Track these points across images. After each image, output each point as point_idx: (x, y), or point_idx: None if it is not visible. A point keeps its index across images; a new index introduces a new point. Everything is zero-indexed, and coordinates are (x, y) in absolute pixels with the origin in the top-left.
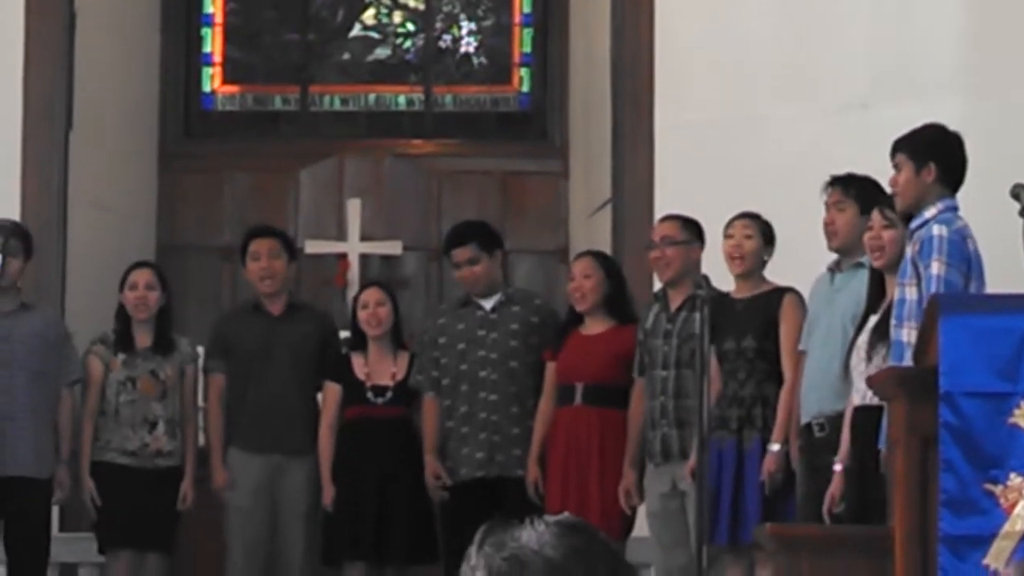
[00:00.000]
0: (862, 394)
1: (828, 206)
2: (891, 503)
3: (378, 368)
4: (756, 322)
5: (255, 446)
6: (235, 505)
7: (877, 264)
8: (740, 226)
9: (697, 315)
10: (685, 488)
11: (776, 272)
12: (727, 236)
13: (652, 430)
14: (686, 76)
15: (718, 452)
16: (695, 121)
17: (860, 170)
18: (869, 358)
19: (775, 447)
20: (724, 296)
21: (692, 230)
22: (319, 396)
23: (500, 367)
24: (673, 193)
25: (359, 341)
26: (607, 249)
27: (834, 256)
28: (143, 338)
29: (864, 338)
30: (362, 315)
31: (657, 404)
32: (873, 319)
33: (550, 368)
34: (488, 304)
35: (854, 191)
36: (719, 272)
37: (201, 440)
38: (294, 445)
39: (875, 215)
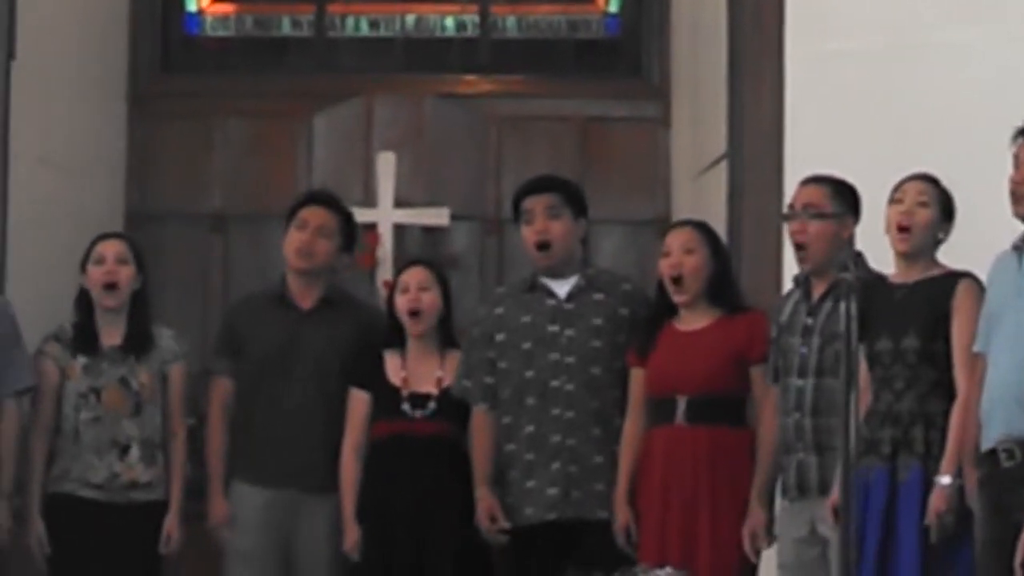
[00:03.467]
0: None
1: (1019, 161)
2: None
3: (419, 372)
4: (920, 316)
5: (265, 479)
6: (236, 549)
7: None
8: (914, 190)
9: (842, 306)
10: (826, 533)
11: (948, 252)
12: (894, 201)
13: (786, 456)
14: None
15: (864, 484)
16: (840, 52)
17: None
18: None
19: (945, 480)
20: (879, 280)
21: (846, 198)
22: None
23: (579, 375)
24: (809, 147)
25: (395, 336)
26: (720, 219)
27: (1022, 229)
28: (111, 334)
29: None
30: (400, 302)
31: (791, 422)
32: None
33: (637, 375)
34: (563, 289)
35: None
36: (869, 255)
37: (190, 467)
38: (314, 480)
39: None
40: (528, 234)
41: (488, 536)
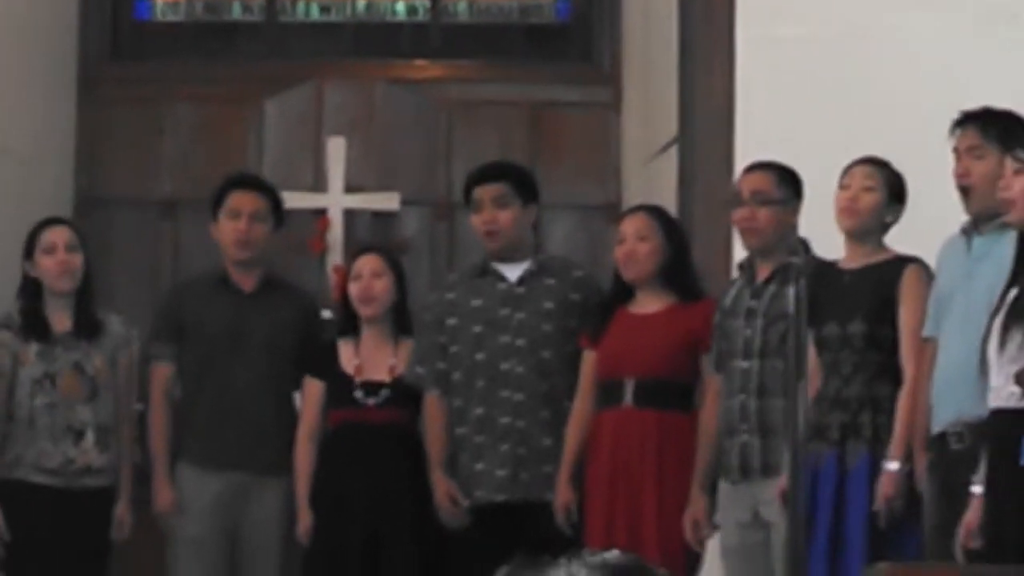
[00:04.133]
0: (1003, 394)
1: (959, 152)
2: None
3: (372, 360)
4: (867, 301)
5: (213, 461)
6: (184, 535)
7: (1009, 219)
8: (860, 174)
9: (791, 289)
10: (770, 517)
11: (898, 237)
12: (842, 187)
13: (729, 438)
14: None
15: (813, 470)
16: (790, 37)
17: (1008, 99)
18: (1001, 345)
19: (893, 465)
20: (828, 266)
21: (790, 185)
22: (297, 398)
23: (529, 358)
24: (760, 132)
25: (348, 324)
26: (671, 204)
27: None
28: (61, 319)
29: (1000, 320)
30: (354, 289)
31: (736, 404)
32: (1013, 294)
33: (589, 358)
34: (514, 274)
35: (995, 132)
36: (820, 240)
37: (139, 453)
38: (265, 461)
39: (1007, 161)
40: (476, 222)
41: (449, 518)
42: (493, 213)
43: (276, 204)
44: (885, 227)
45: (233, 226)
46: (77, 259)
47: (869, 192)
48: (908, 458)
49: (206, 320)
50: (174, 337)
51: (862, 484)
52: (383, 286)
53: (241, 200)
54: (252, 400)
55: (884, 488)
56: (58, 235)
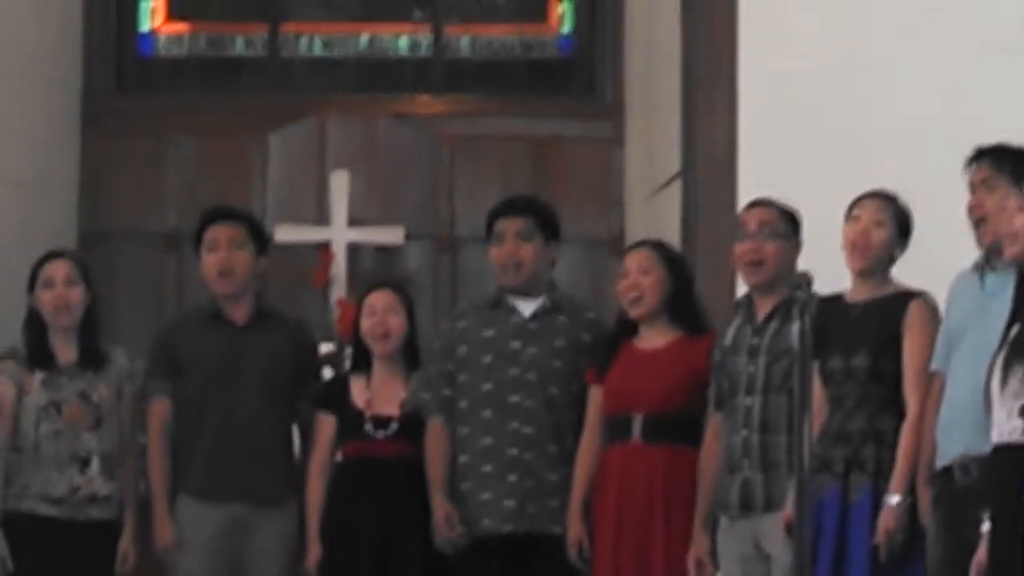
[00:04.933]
0: (996, 429)
1: (973, 185)
2: None
3: (382, 394)
4: (871, 334)
5: (212, 493)
6: (185, 570)
7: (1009, 254)
8: (871, 208)
9: (795, 325)
10: (771, 550)
11: (902, 270)
12: (851, 219)
13: (730, 474)
14: (780, 10)
15: (817, 502)
16: (793, 71)
17: (1008, 132)
18: (1004, 382)
19: (895, 499)
20: (835, 299)
21: (792, 223)
22: (294, 429)
23: (538, 392)
24: (763, 167)
25: (360, 359)
26: (674, 238)
27: (976, 251)
28: (65, 351)
29: (1002, 356)
30: (367, 324)
31: (739, 440)
32: (1016, 330)
33: (596, 393)
34: (528, 308)
35: (1009, 166)
36: (824, 273)
37: (143, 484)
38: (265, 493)
39: (1011, 198)
40: (496, 255)
41: (445, 543)
42: (516, 246)
43: (256, 231)
44: (892, 261)
45: (213, 259)
46: (76, 293)
47: (880, 227)
48: (910, 492)
49: (201, 355)
50: (170, 373)
51: (865, 517)
52: (397, 323)
53: (217, 232)
54: (250, 432)
55: (885, 522)
56: (56, 270)
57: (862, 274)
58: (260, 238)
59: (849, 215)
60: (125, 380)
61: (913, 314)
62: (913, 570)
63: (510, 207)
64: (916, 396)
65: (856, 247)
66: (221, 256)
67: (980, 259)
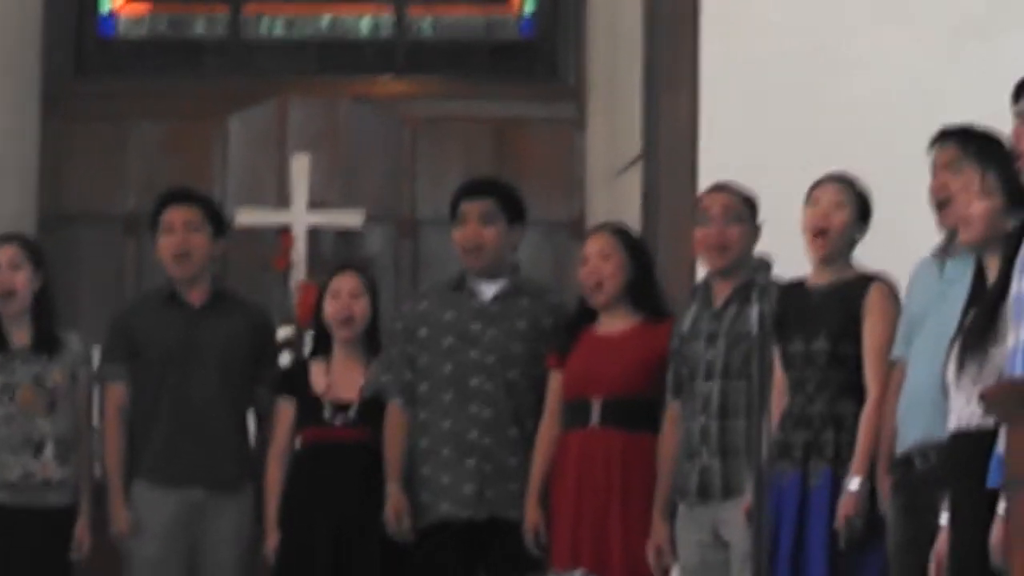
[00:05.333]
0: (955, 415)
1: (937, 167)
2: (1010, 565)
3: (343, 379)
4: (831, 318)
5: (169, 478)
6: (141, 556)
7: (962, 238)
8: (831, 191)
9: (754, 309)
10: (730, 537)
11: (865, 254)
12: (810, 203)
13: (688, 460)
14: None
15: (777, 489)
16: (755, 54)
17: (976, 119)
18: (960, 367)
19: (854, 484)
20: (796, 284)
21: (750, 208)
22: (249, 413)
23: (497, 375)
24: (724, 149)
25: (321, 343)
26: (635, 221)
27: (939, 231)
28: (19, 335)
29: (959, 341)
30: (331, 308)
31: (697, 426)
32: (972, 315)
33: (555, 378)
34: (489, 291)
35: (974, 148)
36: (785, 258)
37: (98, 469)
38: (221, 477)
39: (975, 178)
40: (458, 236)
41: (394, 531)
42: (477, 229)
43: (213, 213)
44: (852, 244)
45: (169, 242)
46: (21, 277)
47: (839, 209)
48: (869, 477)
49: (157, 338)
50: (126, 357)
51: (824, 503)
52: (362, 307)
53: (172, 214)
54: (208, 416)
55: (844, 507)
56: (1, 254)
57: (823, 259)
58: (217, 220)
59: (808, 199)
60: (80, 364)
61: (873, 298)
62: (872, 556)
63: (473, 189)
64: (876, 380)
65: (816, 233)
66: (177, 239)
67: (939, 246)
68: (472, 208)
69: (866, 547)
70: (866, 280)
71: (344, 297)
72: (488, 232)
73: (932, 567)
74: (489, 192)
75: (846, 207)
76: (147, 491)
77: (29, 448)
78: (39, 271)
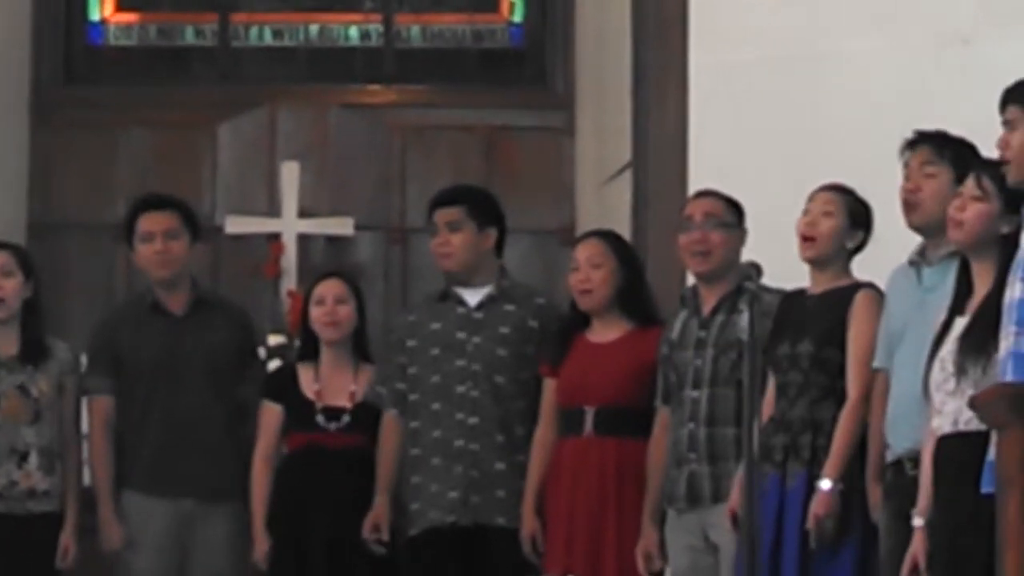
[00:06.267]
0: (951, 419)
1: (910, 169)
2: (1001, 566)
3: (333, 385)
4: (818, 322)
5: (159, 488)
6: (134, 567)
7: (953, 239)
8: (821, 199)
9: (744, 315)
10: (720, 541)
11: (856, 261)
12: (804, 211)
13: (677, 467)
14: (731, 0)
15: (760, 491)
16: (744, 62)
17: (960, 125)
18: (961, 372)
19: (826, 484)
20: (798, 293)
21: (737, 213)
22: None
23: (483, 382)
24: (714, 157)
25: (308, 349)
26: (625, 228)
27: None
28: (5, 343)
29: (950, 348)
30: (316, 313)
31: (685, 433)
32: (961, 323)
33: (549, 386)
34: (474, 299)
35: (949, 153)
36: (774, 265)
37: (86, 478)
38: (212, 486)
39: (969, 182)
40: (431, 245)
41: (368, 543)
42: (446, 236)
43: (189, 218)
44: (849, 253)
45: (148, 249)
46: (11, 284)
47: (827, 217)
48: (842, 478)
49: (142, 348)
50: (111, 369)
51: (798, 504)
52: (347, 312)
53: (150, 222)
54: (197, 424)
55: (815, 507)
56: None
57: (814, 264)
58: (193, 225)
59: (804, 209)
60: (67, 374)
61: (858, 304)
62: (844, 555)
63: (440, 198)
64: (856, 384)
65: (804, 238)
66: (157, 248)
67: (915, 254)
68: (441, 217)
69: (838, 547)
70: (857, 288)
71: (329, 303)
72: (455, 239)
73: (905, 565)
74: (455, 201)
75: (835, 215)
76: (138, 502)
77: (13, 458)
78: (29, 280)
